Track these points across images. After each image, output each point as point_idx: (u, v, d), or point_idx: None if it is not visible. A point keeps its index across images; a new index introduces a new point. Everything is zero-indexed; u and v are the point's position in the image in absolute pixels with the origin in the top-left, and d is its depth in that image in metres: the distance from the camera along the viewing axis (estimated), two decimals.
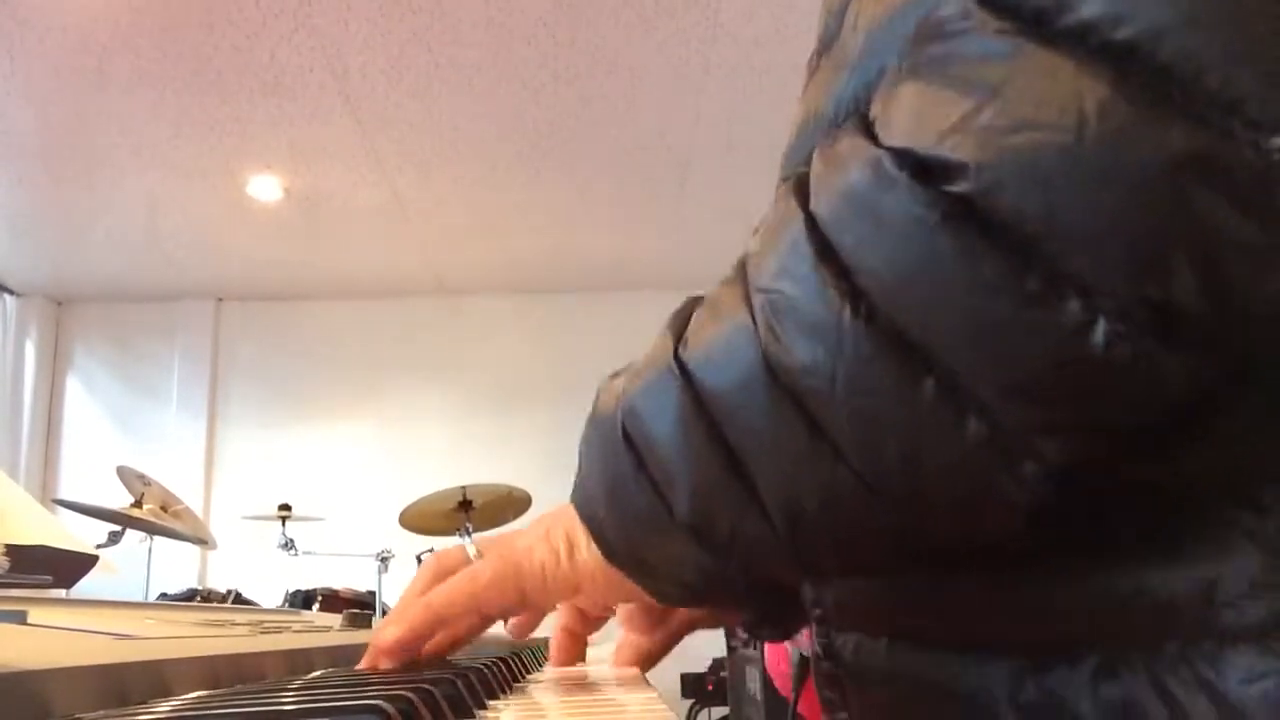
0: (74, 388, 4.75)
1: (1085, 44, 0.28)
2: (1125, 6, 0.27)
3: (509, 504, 3.41)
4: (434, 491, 3.29)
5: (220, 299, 4.78)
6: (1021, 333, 0.30)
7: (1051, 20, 0.28)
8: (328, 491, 4.31)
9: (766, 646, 0.91)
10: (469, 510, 3.31)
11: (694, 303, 0.42)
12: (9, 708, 0.30)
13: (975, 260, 0.29)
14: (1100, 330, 0.29)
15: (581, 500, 0.46)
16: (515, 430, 4.58)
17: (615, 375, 0.45)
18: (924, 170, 0.30)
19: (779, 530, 0.37)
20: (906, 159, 0.31)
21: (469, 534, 3.25)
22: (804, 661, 0.56)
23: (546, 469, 4.13)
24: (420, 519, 3.33)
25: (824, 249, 0.33)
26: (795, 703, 0.57)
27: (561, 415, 4.49)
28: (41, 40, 2.75)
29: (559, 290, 4.73)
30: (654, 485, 0.40)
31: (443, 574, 0.53)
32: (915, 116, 0.31)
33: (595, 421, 0.44)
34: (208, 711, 0.32)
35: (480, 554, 0.54)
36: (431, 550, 3.20)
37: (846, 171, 0.33)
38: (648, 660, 0.63)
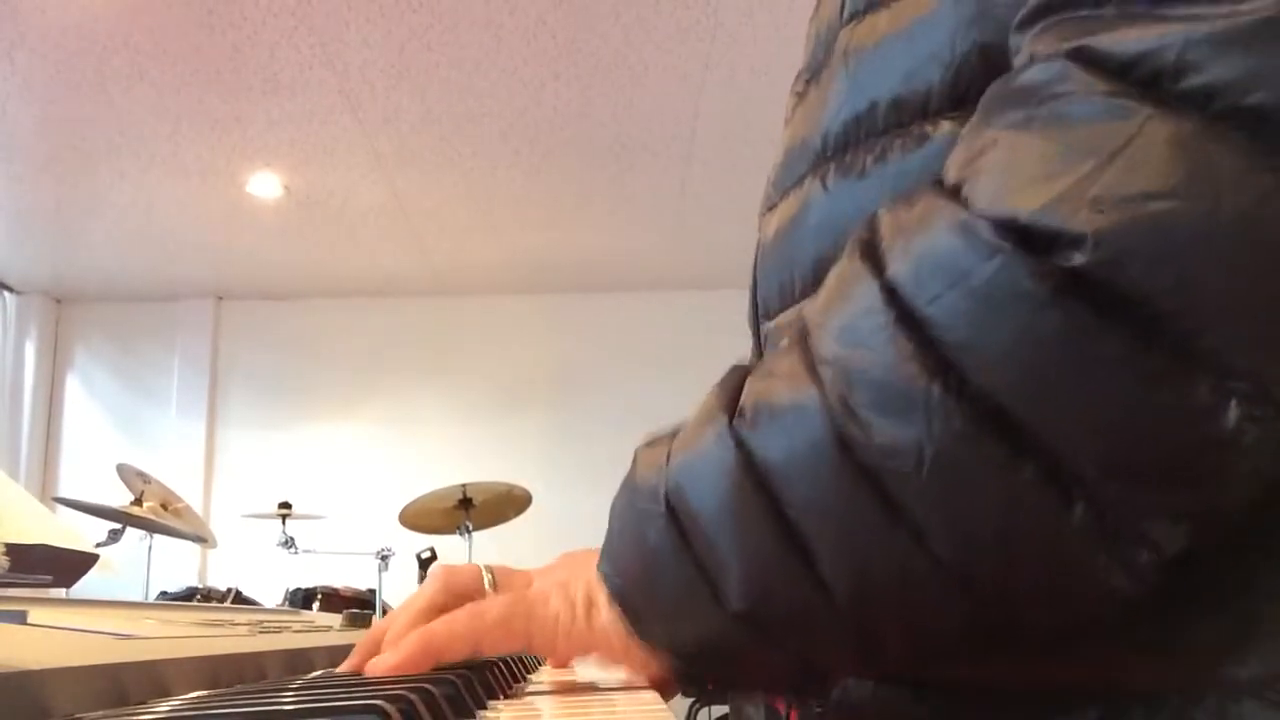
0: (74, 386, 4.75)
1: (1211, 109, 0.26)
2: (1253, 70, 0.26)
3: (509, 502, 3.41)
4: (434, 489, 3.29)
5: (220, 298, 4.78)
6: (1142, 414, 0.28)
7: (1170, 82, 0.27)
8: (328, 489, 4.31)
9: None
10: (469, 508, 3.31)
11: (742, 373, 0.39)
12: (9, 708, 0.30)
13: (1092, 338, 0.27)
14: (1232, 412, 0.27)
15: (612, 573, 0.43)
16: (515, 429, 4.58)
17: (652, 442, 0.42)
18: (1030, 240, 0.28)
19: (842, 612, 0.34)
20: (1009, 228, 0.29)
21: (469, 532, 3.25)
22: None
23: (546, 467, 4.15)
24: (420, 517, 3.32)
25: (907, 320, 0.30)
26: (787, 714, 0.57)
27: (561, 414, 4.52)
28: (41, 40, 2.74)
29: (559, 290, 4.73)
30: (699, 564, 0.37)
31: (451, 594, 0.51)
32: (1014, 182, 0.29)
33: (632, 490, 0.41)
34: (208, 711, 0.32)
35: (494, 581, 0.51)
36: (432, 550, 3.20)
37: (931, 238, 0.31)
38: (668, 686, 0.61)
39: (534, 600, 0.47)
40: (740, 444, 0.35)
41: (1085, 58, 0.28)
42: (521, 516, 3.45)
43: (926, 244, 0.31)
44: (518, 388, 4.66)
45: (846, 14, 0.46)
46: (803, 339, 0.35)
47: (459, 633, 0.47)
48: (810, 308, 0.36)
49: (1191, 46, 0.26)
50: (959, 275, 0.29)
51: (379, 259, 4.36)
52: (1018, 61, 0.33)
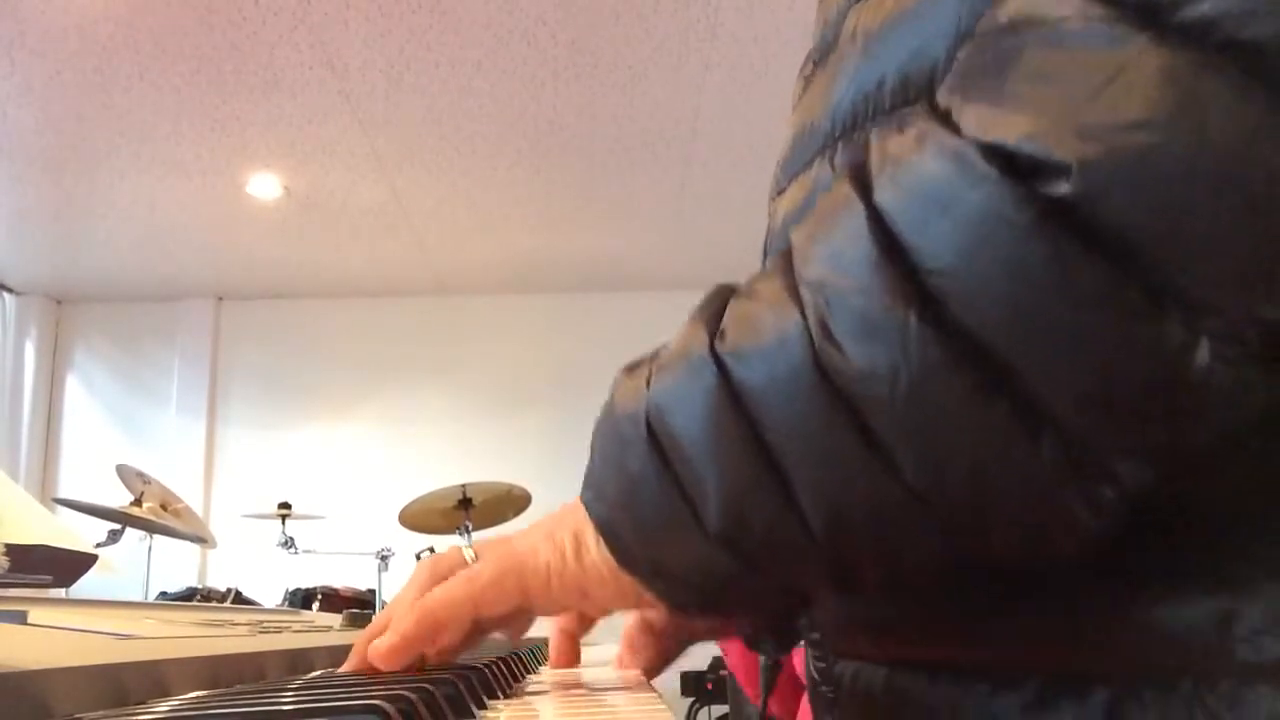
0: (74, 386, 4.75)
1: (1206, 41, 0.26)
2: (1254, 3, 0.25)
3: (509, 502, 3.41)
4: (434, 490, 3.29)
5: (220, 298, 4.78)
6: (1116, 349, 0.27)
7: (1167, 13, 0.26)
8: (328, 490, 4.31)
9: (726, 645, 0.89)
10: (469, 508, 3.31)
11: (725, 293, 0.39)
12: (9, 708, 0.30)
13: (1071, 268, 0.27)
14: (1203, 351, 0.27)
15: (594, 499, 0.42)
16: (515, 429, 4.58)
17: (632, 368, 0.42)
18: (1016, 167, 0.28)
19: (818, 538, 0.34)
20: (996, 154, 0.28)
21: (469, 532, 3.25)
22: (773, 666, 0.55)
23: (546, 467, 4.14)
24: (420, 517, 3.33)
25: (890, 246, 0.30)
26: (765, 706, 0.57)
27: (561, 414, 4.51)
28: (41, 40, 2.74)
29: (559, 290, 4.73)
30: (679, 486, 0.37)
31: (438, 577, 0.50)
32: (1004, 109, 0.29)
33: (612, 417, 0.41)
34: (208, 711, 0.32)
35: (478, 556, 0.50)
36: (431, 549, 3.20)
37: (919, 163, 0.30)
38: (649, 674, 0.60)
39: (523, 554, 0.47)
40: (721, 366, 0.35)
41: None
42: (521, 517, 3.45)
43: (915, 169, 0.30)
44: (518, 388, 4.66)
45: None
46: (787, 261, 0.35)
47: (456, 598, 0.47)
48: (798, 231, 0.35)
49: None
50: (946, 202, 0.29)
51: (379, 259, 4.36)
52: None
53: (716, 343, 0.36)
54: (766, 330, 0.34)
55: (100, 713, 0.33)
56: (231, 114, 3.14)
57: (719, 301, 0.38)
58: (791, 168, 0.48)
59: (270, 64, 2.88)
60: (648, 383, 0.39)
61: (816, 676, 0.48)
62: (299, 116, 3.17)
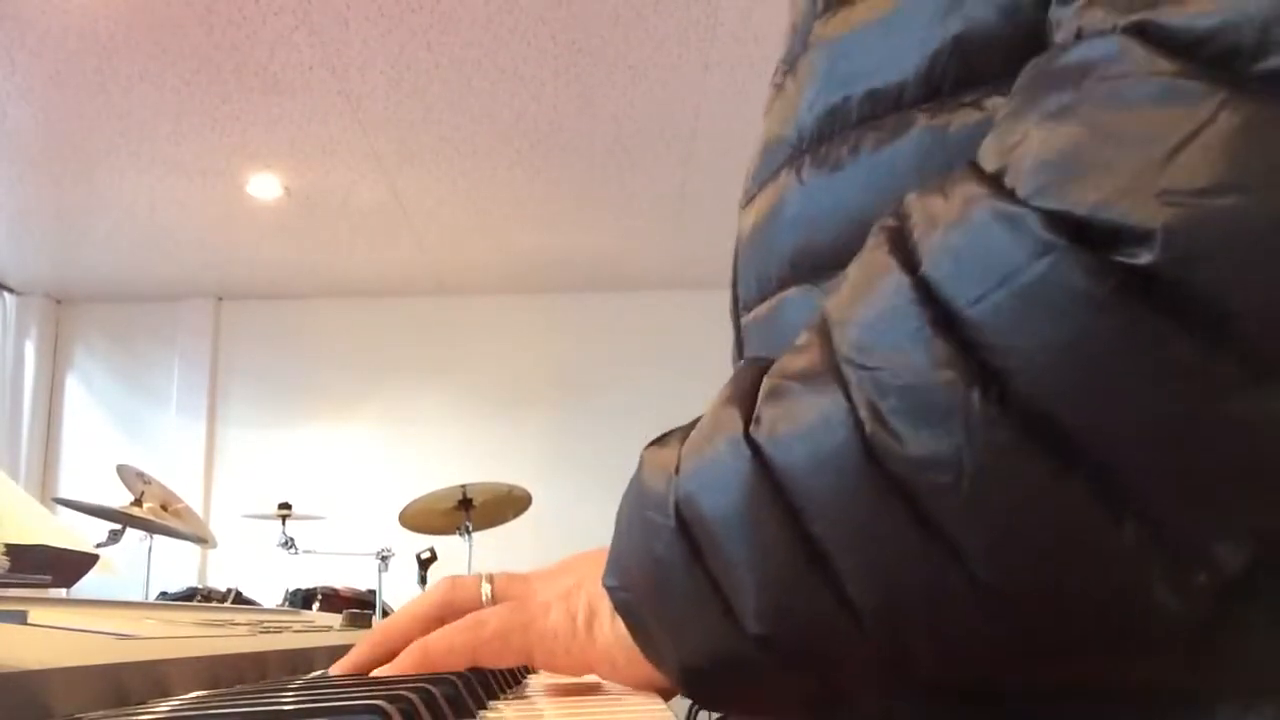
0: (74, 387, 4.75)
1: None
2: None
3: (509, 503, 3.41)
4: (434, 490, 3.29)
5: (220, 298, 4.78)
6: (1208, 425, 0.25)
7: (1245, 63, 0.24)
8: (328, 490, 4.31)
9: None
10: (469, 509, 3.31)
11: (757, 370, 0.36)
12: (9, 708, 0.30)
13: (1158, 342, 0.25)
14: None
15: (618, 584, 0.40)
16: (515, 430, 4.58)
17: (660, 442, 0.40)
18: (1088, 236, 0.26)
19: (867, 631, 0.32)
20: (1064, 222, 0.26)
21: (469, 533, 3.25)
22: None
23: (546, 467, 4.15)
24: (420, 518, 3.32)
25: (945, 322, 0.28)
26: None
27: (561, 414, 4.52)
28: (41, 40, 2.74)
29: (559, 290, 4.73)
30: (711, 578, 0.34)
31: (450, 609, 0.49)
32: (1067, 172, 0.26)
33: (640, 497, 0.39)
34: (208, 711, 0.32)
35: (493, 592, 0.50)
36: (431, 549, 3.20)
37: (969, 231, 0.28)
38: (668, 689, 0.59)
39: (534, 613, 0.45)
40: (757, 452, 0.33)
41: (1146, 34, 0.26)
42: (521, 517, 3.45)
43: (965, 238, 0.28)
44: (518, 388, 4.66)
45: (820, 5, 0.45)
46: (824, 336, 0.32)
47: (456, 646, 0.46)
48: (832, 302, 0.33)
49: (1275, 22, 0.24)
50: (1005, 273, 0.27)
51: (379, 259, 4.36)
52: (1060, 37, 0.30)
53: (751, 427, 0.33)
54: (807, 412, 0.32)
55: (100, 713, 0.33)
56: (231, 114, 3.14)
57: (750, 378, 0.36)
58: (760, 176, 0.48)
59: (270, 64, 2.88)
60: (677, 467, 0.37)
61: None
62: (299, 116, 3.17)
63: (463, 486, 3.30)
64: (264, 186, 3.64)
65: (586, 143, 3.38)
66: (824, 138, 0.42)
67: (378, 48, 2.81)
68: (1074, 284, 0.26)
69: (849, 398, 0.30)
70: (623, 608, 0.40)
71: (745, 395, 0.35)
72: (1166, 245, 0.25)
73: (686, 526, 0.35)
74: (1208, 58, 0.25)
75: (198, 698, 0.39)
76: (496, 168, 3.53)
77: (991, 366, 0.27)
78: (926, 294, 0.29)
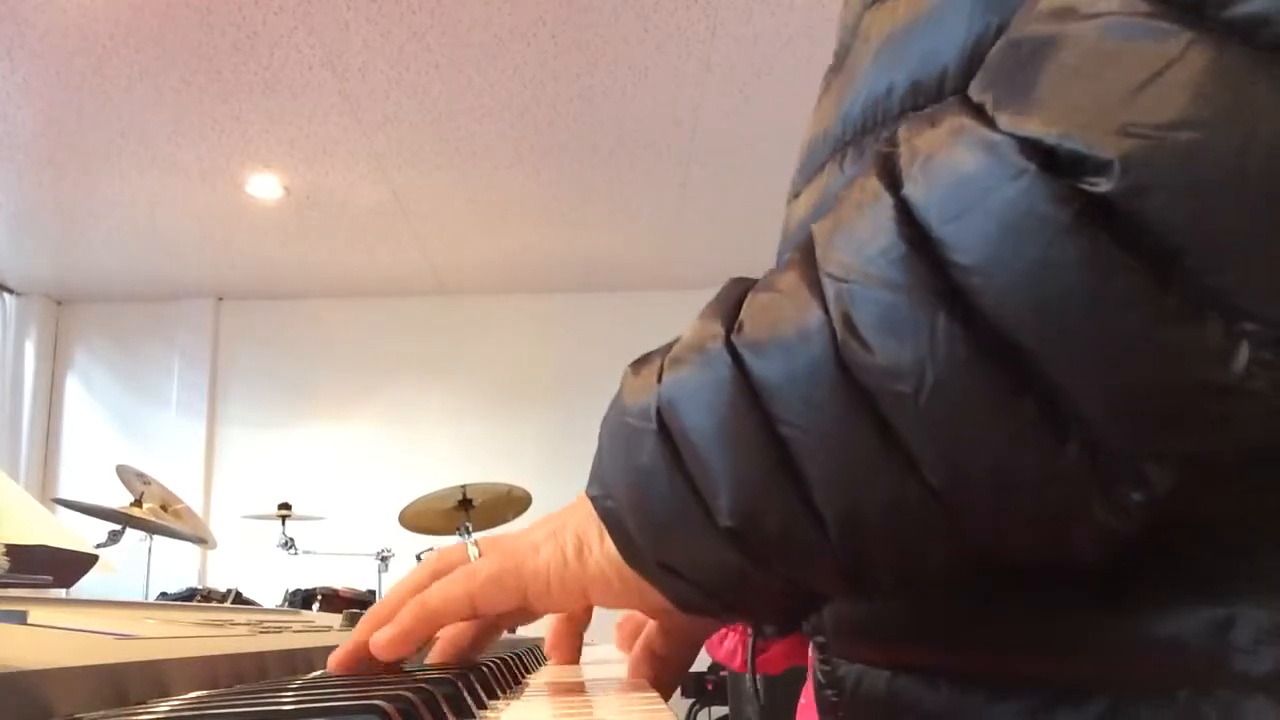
0: (74, 387, 4.75)
1: (1258, 39, 0.25)
2: None
3: (509, 503, 3.41)
4: (434, 490, 3.29)
5: (220, 298, 4.78)
6: (1151, 352, 0.27)
7: (1215, 8, 0.25)
8: (328, 491, 4.31)
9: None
10: (469, 509, 3.31)
11: (741, 287, 0.38)
12: (9, 708, 0.30)
13: (1108, 268, 0.26)
14: (1242, 356, 0.26)
15: (601, 495, 0.41)
16: (515, 430, 4.58)
17: (640, 364, 0.42)
18: (1056, 163, 0.27)
19: (832, 537, 0.33)
20: (1035, 149, 0.27)
21: (469, 533, 3.25)
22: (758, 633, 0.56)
23: (546, 468, 4.15)
24: (420, 518, 3.33)
25: (918, 239, 0.29)
26: (754, 671, 0.57)
27: (561, 414, 4.52)
28: (41, 40, 2.74)
29: (559, 290, 4.73)
30: (690, 482, 0.36)
31: (441, 572, 0.50)
32: (1043, 103, 0.28)
33: (620, 412, 0.40)
34: (208, 711, 0.32)
35: (482, 554, 0.50)
36: (432, 549, 3.20)
37: (952, 156, 0.29)
38: (667, 687, 0.58)
39: (524, 552, 0.46)
40: (737, 359, 0.34)
41: None
42: (521, 517, 3.45)
43: (947, 162, 0.29)
44: (518, 388, 4.66)
45: None
46: (808, 254, 0.34)
47: (454, 594, 0.47)
48: (820, 224, 0.34)
49: None
50: (979, 195, 0.28)
51: (379, 259, 4.36)
52: None
53: (733, 335, 0.35)
54: (786, 323, 0.33)
55: (100, 713, 0.33)
56: (231, 114, 3.14)
57: (735, 294, 0.38)
58: (806, 172, 0.48)
59: (270, 64, 2.88)
60: (659, 376, 0.38)
61: (821, 679, 0.48)
62: (299, 116, 3.17)
63: (463, 486, 3.30)
64: (264, 186, 3.64)
65: (586, 143, 3.38)
66: (867, 129, 0.42)
67: (378, 48, 2.82)
68: (1039, 208, 0.27)
69: (826, 310, 0.32)
70: (607, 516, 0.41)
71: (729, 308, 0.37)
72: (1123, 174, 0.26)
73: (668, 431, 0.37)
74: (1181, 1, 0.26)
75: (198, 698, 0.39)
76: (496, 168, 3.53)
77: (959, 284, 0.29)
78: (906, 214, 0.30)
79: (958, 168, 0.29)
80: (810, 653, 0.51)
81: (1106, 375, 0.27)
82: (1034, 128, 0.28)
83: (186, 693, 0.41)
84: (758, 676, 0.66)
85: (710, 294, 0.40)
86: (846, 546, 0.34)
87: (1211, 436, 0.28)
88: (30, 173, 3.50)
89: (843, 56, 0.47)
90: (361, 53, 2.84)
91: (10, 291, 4.57)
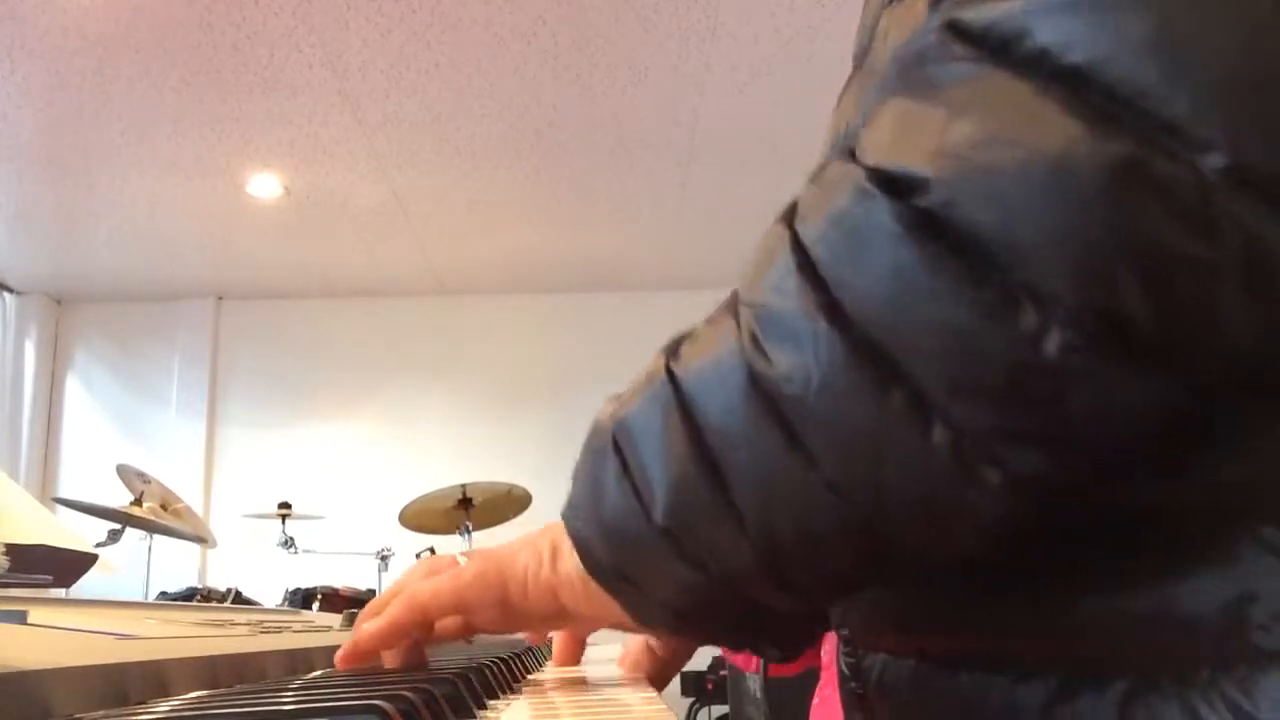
0: (74, 387, 4.75)
1: (1040, 68, 0.29)
2: (1075, 33, 0.29)
3: (509, 502, 3.41)
4: (434, 490, 3.29)
5: (220, 298, 4.78)
6: (979, 340, 0.30)
7: (1012, 47, 0.30)
8: (327, 490, 4.31)
9: None
10: (469, 508, 3.31)
11: (692, 328, 0.43)
12: (9, 708, 0.30)
13: (936, 271, 0.31)
14: (1054, 338, 0.29)
15: (571, 514, 0.46)
16: (515, 429, 4.58)
17: (611, 400, 0.46)
18: (894, 185, 0.32)
19: (750, 532, 0.37)
20: (880, 175, 0.32)
21: (469, 533, 3.26)
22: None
23: (546, 467, 4.13)
24: (420, 517, 3.33)
25: (804, 263, 0.34)
26: (766, 673, 0.59)
27: (561, 414, 4.51)
28: (41, 40, 2.74)
29: (559, 290, 4.73)
30: (634, 489, 0.40)
31: (432, 574, 0.55)
32: (889, 136, 0.33)
33: (589, 437, 0.45)
34: (208, 711, 0.32)
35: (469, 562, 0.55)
36: (432, 549, 3.20)
37: (832, 194, 0.34)
38: (662, 681, 0.65)
39: (505, 556, 0.51)
40: (672, 379, 0.39)
41: (953, 27, 0.32)
42: (521, 517, 3.46)
43: (829, 200, 0.35)
44: (518, 388, 4.66)
45: None
46: (732, 293, 0.39)
47: (441, 591, 0.52)
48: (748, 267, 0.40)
49: (1028, 15, 0.30)
50: (846, 222, 0.33)
51: (379, 259, 4.36)
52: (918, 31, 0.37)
53: (671, 362, 0.40)
54: (710, 346, 0.39)
55: (100, 713, 0.33)
56: (231, 114, 3.14)
57: (684, 333, 0.43)
58: None
59: (270, 64, 2.88)
60: (618, 405, 0.43)
61: (846, 671, 0.49)
62: (299, 116, 3.17)
63: (463, 486, 3.30)
64: (264, 186, 3.64)
65: (586, 143, 3.38)
66: None
67: (378, 48, 2.81)
68: (882, 223, 0.32)
69: (739, 331, 0.37)
70: (573, 533, 0.45)
71: (674, 344, 0.43)
72: (935, 189, 0.31)
73: (619, 447, 0.42)
74: (989, 45, 0.31)
75: (198, 698, 0.39)
76: (496, 168, 3.53)
77: (831, 295, 0.33)
78: (796, 243, 0.35)
79: (834, 201, 0.34)
80: (823, 652, 0.52)
81: (947, 365, 0.31)
82: (879, 158, 0.33)
83: (186, 693, 0.41)
84: (760, 678, 0.69)
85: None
86: (764, 541, 0.37)
87: (1047, 418, 0.31)
88: (30, 173, 3.50)
89: (862, 56, 0.49)
90: (361, 53, 2.84)
91: (10, 291, 4.57)
